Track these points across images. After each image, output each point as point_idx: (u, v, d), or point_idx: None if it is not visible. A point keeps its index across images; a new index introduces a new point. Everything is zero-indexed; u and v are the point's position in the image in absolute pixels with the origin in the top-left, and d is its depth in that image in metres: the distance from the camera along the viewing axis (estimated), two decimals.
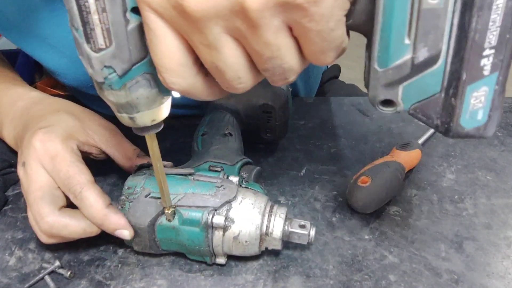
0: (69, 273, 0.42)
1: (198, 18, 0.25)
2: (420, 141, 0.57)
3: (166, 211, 0.40)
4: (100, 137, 0.47)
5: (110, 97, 0.30)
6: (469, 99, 0.28)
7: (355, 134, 0.63)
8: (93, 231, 0.41)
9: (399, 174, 0.50)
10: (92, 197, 0.40)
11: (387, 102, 0.30)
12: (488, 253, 0.45)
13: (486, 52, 0.26)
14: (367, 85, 0.30)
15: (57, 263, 0.43)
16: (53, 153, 0.42)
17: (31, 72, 1.40)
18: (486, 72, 0.27)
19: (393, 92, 0.29)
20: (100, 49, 0.27)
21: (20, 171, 0.43)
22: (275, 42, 0.26)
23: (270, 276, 0.43)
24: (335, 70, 0.92)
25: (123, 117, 0.32)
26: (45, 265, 0.43)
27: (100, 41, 0.27)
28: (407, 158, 0.53)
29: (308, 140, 0.62)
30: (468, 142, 0.62)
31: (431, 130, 0.61)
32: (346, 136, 0.62)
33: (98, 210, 0.40)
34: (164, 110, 0.33)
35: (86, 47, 0.27)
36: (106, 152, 0.48)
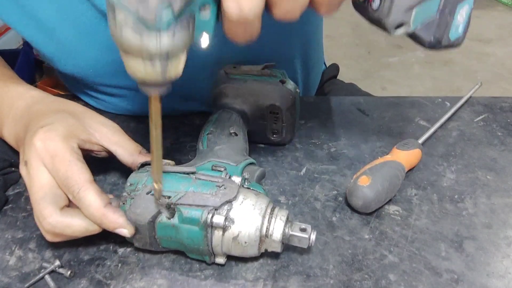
0: (69, 272, 0.42)
1: None
2: (420, 140, 0.57)
3: (155, 186, 0.39)
4: (102, 135, 0.47)
5: (151, 42, 0.29)
6: (457, 16, 0.38)
7: (355, 134, 0.63)
8: (95, 229, 0.42)
9: (399, 173, 0.50)
10: (90, 197, 0.41)
11: (400, 25, 0.38)
12: (488, 253, 0.45)
13: None
14: (381, 17, 0.38)
15: (57, 262, 0.43)
16: (53, 152, 0.42)
17: (31, 72, 1.40)
18: None
19: (408, 15, 0.37)
20: None
21: (22, 170, 0.44)
22: None
23: (270, 275, 0.43)
24: (333, 69, 0.92)
25: (155, 66, 0.31)
26: (45, 264, 0.43)
27: None
28: (407, 157, 0.53)
29: (308, 139, 0.62)
30: (468, 142, 0.62)
31: (431, 130, 0.61)
32: (346, 136, 0.62)
33: (96, 210, 0.40)
34: (183, 63, 0.33)
35: None
36: (109, 149, 0.48)
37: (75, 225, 0.41)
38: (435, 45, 0.39)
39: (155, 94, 0.34)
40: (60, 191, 0.42)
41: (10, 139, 0.52)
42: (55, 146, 0.42)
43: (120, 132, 0.49)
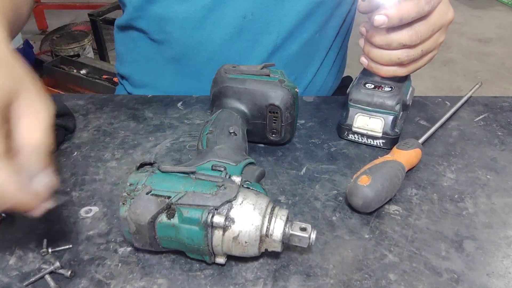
0: (69, 272, 0.42)
1: None
2: (420, 140, 0.57)
3: None
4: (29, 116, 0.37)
5: None
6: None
7: None
8: None
9: (399, 173, 0.50)
10: None
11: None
12: (488, 252, 0.45)
13: None
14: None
15: (57, 262, 0.43)
16: None
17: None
18: None
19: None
20: None
21: None
22: None
23: (270, 275, 0.43)
24: (347, 81, 0.94)
25: None
26: (45, 264, 0.43)
27: None
28: (407, 157, 0.53)
29: (308, 139, 0.62)
30: (468, 141, 0.62)
31: (432, 130, 0.61)
32: None
33: None
34: None
35: None
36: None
37: None
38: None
39: None
40: None
41: None
42: None
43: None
